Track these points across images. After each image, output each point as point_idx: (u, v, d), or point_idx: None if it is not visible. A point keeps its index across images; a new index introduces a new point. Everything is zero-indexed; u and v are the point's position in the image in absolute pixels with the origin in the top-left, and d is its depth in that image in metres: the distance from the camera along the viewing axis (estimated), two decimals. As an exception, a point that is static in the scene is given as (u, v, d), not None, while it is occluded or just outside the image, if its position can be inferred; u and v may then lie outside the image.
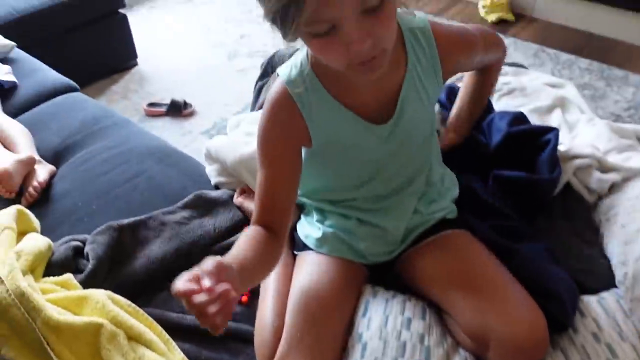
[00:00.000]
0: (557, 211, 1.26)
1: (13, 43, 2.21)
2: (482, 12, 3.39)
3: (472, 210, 1.20)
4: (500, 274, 1.05)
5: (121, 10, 2.97)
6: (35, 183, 1.54)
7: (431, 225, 1.14)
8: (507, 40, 3.17)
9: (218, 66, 3.16)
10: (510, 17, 3.33)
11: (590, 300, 1.08)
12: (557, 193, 1.28)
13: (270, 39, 3.34)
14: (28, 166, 1.58)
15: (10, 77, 2.04)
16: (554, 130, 1.31)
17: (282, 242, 1.02)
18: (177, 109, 2.75)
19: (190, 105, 2.78)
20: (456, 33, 1.07)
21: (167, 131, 2.66)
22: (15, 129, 1.73)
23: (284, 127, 1.00)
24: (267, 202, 1.00)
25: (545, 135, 1.30)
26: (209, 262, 0.75)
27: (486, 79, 1.28)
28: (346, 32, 0.77)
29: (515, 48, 3.13)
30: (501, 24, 3.32)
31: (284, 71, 0.99)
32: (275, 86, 1.00)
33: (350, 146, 1.03)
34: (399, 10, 0.86)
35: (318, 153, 1.06)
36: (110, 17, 2.93)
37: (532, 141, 1.31)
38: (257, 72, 2.99)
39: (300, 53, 1.00)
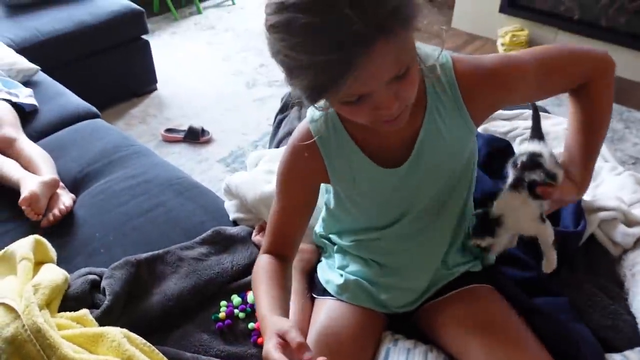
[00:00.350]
0: (580, 264, 1.24)
1: (37, 67, 2.24)
2: (501, 49, 3.40)
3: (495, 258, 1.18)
4: (522, 332, 1.03)
5: (144, 36, 3.01)
6: (61, 206, 1.54)
7: (454, 278, 1.13)
8: (526, 79, 3.18)
9: (236, 94, 3.18)
10: (529, 55, 3.33)
11: (616, 359, 1.05)
12: (581, 245, 1.26)
13: (289, 69, 3.37)
14: (53, 188, 1.59)
15: (32, 100, 2.06)
16: (579, 181, 1.30)
17: (291, 264, 1.11)
18: (195, 136, 2.76)
19: (208, 133, 2.80)
20: (487, 68, 0.96)
21: (183, 157, 2.67)
22: (37, 152, 1.74)
23: (303, 166, 1.02)
24: (279, 231, 1.07)
25: (570, 186, 1.28)
26: (293, 334, 0.82)
27: (587, 102, 1.05)
28: (375, 100, 0.79)
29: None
30: (520, 62, 3.32)
31: (310, 111, 1.01)
32: (300, 125, 1.03)
33: (366, 191, 1.03)
34: (419, 44, 0.86)
35: (340, 192, 1.07)
36: (134, 43, 2.97)
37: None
38: (275, 102, 3.02)
39: None
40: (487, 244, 1.03)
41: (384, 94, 0.78)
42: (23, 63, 2.24)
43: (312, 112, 1.00)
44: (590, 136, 1.08)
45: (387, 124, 0.84)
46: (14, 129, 1.83)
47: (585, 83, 1.03)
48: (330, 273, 1.19)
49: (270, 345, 0.82)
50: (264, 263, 1.05)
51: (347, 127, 0.98)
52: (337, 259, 1.20)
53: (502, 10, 3.46)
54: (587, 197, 1.33)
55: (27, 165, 1.68)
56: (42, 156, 1.73)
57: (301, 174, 1.03)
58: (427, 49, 0.92)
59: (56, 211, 1.53)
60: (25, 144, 1.78)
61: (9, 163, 1.69)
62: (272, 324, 0.86)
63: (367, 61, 0.71)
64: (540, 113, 1.82)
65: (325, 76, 0.73)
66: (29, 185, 1.54)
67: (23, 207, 1.50)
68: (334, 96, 0.77)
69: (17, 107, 1.97)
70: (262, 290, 0.99)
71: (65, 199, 1.58)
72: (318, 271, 1.24)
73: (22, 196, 1.51)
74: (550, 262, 1.06)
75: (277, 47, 0.75)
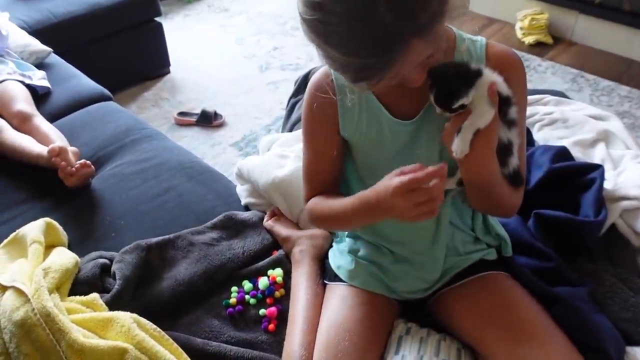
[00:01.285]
0: (600, 254, 1.21)
1: (50, 49, 2.23)
2: (519, 33, 3.33)
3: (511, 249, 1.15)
4: (541, 320, 1.00)
5: (157, 19, 2.98)
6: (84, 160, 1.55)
7: (469, 265, 1.10)
8: (545, 64, 3.11)
9: (249, 78, 3.15)
10: (548, 40, 3.26)
11: (637, 352, 1.02)
12: (602, 235, 1.22)
13: (304, 53, 3.33)
14: (76, 156, 1.60)
15: (44, 83, 2.06)
16: (600, 168, 1.26)
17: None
18: (208, 120, 2.74)
19: (221, 117, 2.77)
20: (515, 56, 0.97)
21: (196, 141, 2.66)
22: (53, 130, 1.75)
23: (320, 107, 1.01)
24: (315, 177, 1.10)
25: (590, 174, 1.25)
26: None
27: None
28: (407, 77, 0.84)
29: (553, 72, 3.06)
30: (539, 46, 3.25)
31: None
32: (320, 70, 1.03)
33: (374, 140, 1.01)
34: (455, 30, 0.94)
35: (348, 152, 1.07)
36: (146, 25, 2.94)
37: (575, 178, 1.26)
38: (289, 86, 2.99)
39: None
40: (468, 101, 0.86)
41: (414, 73, 0.83)
42: (36, 45, 2.23)
43: None
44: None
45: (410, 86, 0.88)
46: (29, 106, 1.84)
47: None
48: (341, 258, 1.17)
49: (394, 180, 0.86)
50: (316, 200, 1.08)
51: None
52: (349, 242, 1.18)
53: (522, -8, 3.38)
54: (608, 185, 1.29)
55: (43, 142, 1.68)
56: (58, 135, 1.74)
57: (319, 115, 1.03)
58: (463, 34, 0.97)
59: (81, 161, 1.53)
60: (41, 121, 1.79)
61: (26, 139, 1.69)
62: (380, 186, 0.90)
63: (404, 59, 0.75)
64: (560, 99, 1.79)
65: (362, 74, 0.78)
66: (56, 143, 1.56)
67: (53, 159, 1.52)
68: (369, 85, 0.81)
69: (30, 89, 1.96)
70: (336, 203, 1.02)
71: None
72: (329, 256, 1.22)
73: (50, 146, 1.53)
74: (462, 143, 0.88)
75: (313, 39, 0.78)
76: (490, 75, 0.88)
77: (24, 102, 1.82)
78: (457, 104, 0.85)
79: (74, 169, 1.52)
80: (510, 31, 3.43)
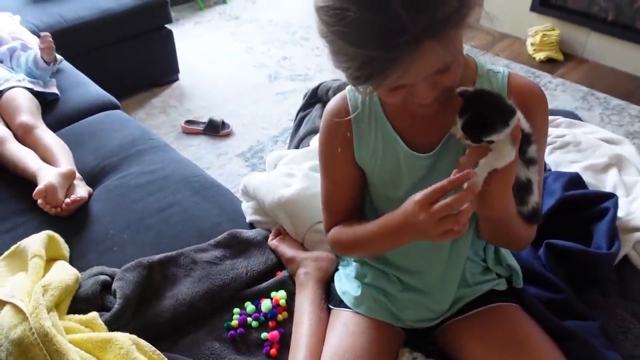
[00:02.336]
0: (613, 287, 1.17)
1: (61, 57, 2.22)
2: (530, 49, 3.30)
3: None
4: (553, 355, 0.97)
5: (167, 25, 2.98)
6: (74, 196, 1.50)
7: (478, 296, 1.07)
8: (555, 81, 3.08)
9: (258, 87, 3.14)
10: (559, 56, 3.24)
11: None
12: (614, 267, 1.19)
13: (313, 64, 3.32)
14: (69, 179, 1.56)
15: (53, 89, 2.05)
16: (613, 198, 1.24)
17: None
18: (215, 129, 2.72)
19: (228, 126, 2.76)
20: (537, 89, 0.95)
21: (202, 150, 2.64)
22: (55, 141, 1.73)
23: (336, 135, 1.00)
24: (334, 207, 1.07)
25: (604, 203, 1.22)
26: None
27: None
28: (415, 90, 0.80)
29: (563, 89, 3.03)
30: (549, 63, 3.23)
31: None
32: (337, 95, 1.02)
33: (390, 171, 0.99)
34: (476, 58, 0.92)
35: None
36: (157, 32, 2.94)
37: (588, 207, 1.23)
38: (297, 97, 2.98)
39: None
40: (498, 139, 0.80)
41: (423, 86, 0.79)
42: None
43: None
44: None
45: (419, 107, 0.85)
46: (32, 117, 1.82)
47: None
48: (347, 283, 1.15)
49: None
50: (339, 229, 1.06)
51: (384, 103, 0.97)
52: (355, 267, 1.16)
53: (533, 8, 3.35)
54: (621, 213, 1.27)
55: (44, 155, 1.66)
56: (60, 146, 1.71)
57: (336, 143, 1.00)
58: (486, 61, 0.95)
59: (68, 200, 1.48)
60: (44, 133, 1.77)
61: (26, 153, 1.67)
62: (404, 205, 0.88)
63: (413, 60, 0.71)
64: (573, 121, 1.76)
65: (368, 69, 0.73)
66: (45, 177, 1.51)
67: (38, 201, 1.48)
68: (374, 85, 0.78)
69: (39, 95, 1.95)
70: (359, 230, 1.00)
71: (81, 190, 1.56)
72: (335, 281, 1.20)
73: (37, 188, 1.48)
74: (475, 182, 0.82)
75: (325, 31, 0.75)
76: (517, 113, 0.83)
77: (27, 113, 1.80)
78: (487, 138, 0.80)
79: (59, 209, 1.47)
80: (521, 47, 3.41)
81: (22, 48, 2.10)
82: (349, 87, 0.99)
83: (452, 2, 0.69)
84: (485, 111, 0.80)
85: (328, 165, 1.05)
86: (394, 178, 0.99)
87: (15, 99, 1.85)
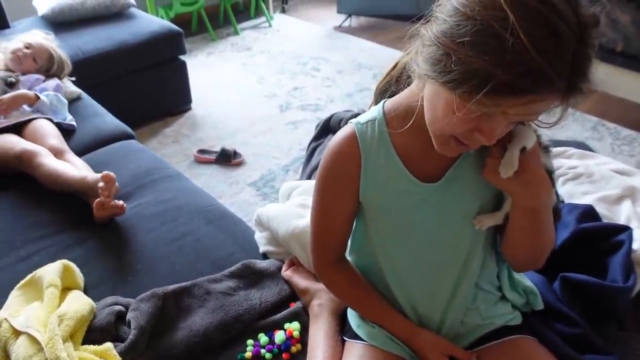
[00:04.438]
0: (630, 321, 1.16)
1: (80, 90, 2.27)
2: (540, 80, 3.33)
3: (536, 312, 1.12)
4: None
5: (181, 56, 3.03)
6: (121, 202, 1.57)
7: (493, 330, 1.06)
8: (566, 112, 3.09)
9: (269, 117, 3.17)
10: (569, 87, 3.25)
11: None
12: (631, 300, 1.18)
13: (324, 94, 3.36)
14: (117, 190, 1.62)
15: (71, 120, 2.09)
16: (628, 230, 1.23)
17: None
18: (227, 158, 2.75)
19: (240, 155, 2.78)
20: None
21: (214, 179, 2.66)
22: (84, 165, 1.79)
23: (341, 166, 0.99)
24: (325, 241, 1.08)
25: (618, 235, 1.22)
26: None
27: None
28: (490, 128, 0.77)
29: (573, 119, 3.01)
30: (559, 93, 3.24)
31: (358, 118, 1.00)
32: (344, 127, 1.01)
33: (394, 202, 0.99)
34: None
35: (364, 211, 1.04)
36: (171, 63, 3.00)
37: (603, 240, 1.23)
38: (308, 126, 3.01)
39: (375, 108, 1.00)
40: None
41: (504, 128, 0.78)
42: (68, 86, 2.31)
43: (361, 117, 0.99)
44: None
45: (454, 147, 0.83)
46: (61, 143, 1.89)
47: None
48: (361, 317, 1.14)
49: None
50: (340, 279, 1.10)
51: (392, 135, 0.96)
52: None
53: (543, 40, 3.38)
54: (635, 245, 1.26)
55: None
56: (90, 169, 1.77)
57: (341, 175, 1.00)
58: None
59: (120, 202, 1.56)
60: (73, 157, 1.83)
61: (67, 166, 1.74)
62: (425, 338, 1.03)
63: (542, 100, 0.71)
64: (584, 152, 1.76)
65: (486, 83, 0.69)
66: (99, 174, 1.59)
67: (100, 184, 1.54)
68: (470, 99, 0.71)
69: (58, 126, 2.00)
70: (363, 298, 1.09)
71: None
72: (349, 313, 1.19)
73: (105, 172, 1.56)
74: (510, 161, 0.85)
75: (447, 41, 0.72)
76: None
77: (55, 139, 1.89)
78: None
79: (112, 202, 1.54)
80: (531, 77, 3.43)
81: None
82: (356, 121, 0.99)
83: (590, 80, 0.72)
84: None
85: (327, 199, 1.03)
86: (402, 208, 0.99)
87: (43, 127, 1.93)
